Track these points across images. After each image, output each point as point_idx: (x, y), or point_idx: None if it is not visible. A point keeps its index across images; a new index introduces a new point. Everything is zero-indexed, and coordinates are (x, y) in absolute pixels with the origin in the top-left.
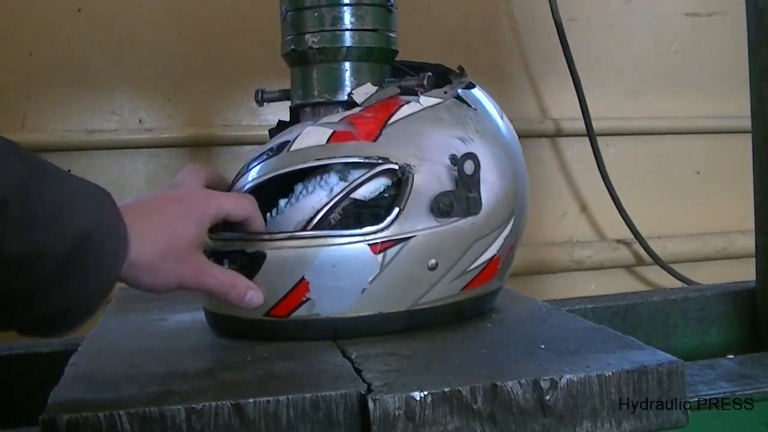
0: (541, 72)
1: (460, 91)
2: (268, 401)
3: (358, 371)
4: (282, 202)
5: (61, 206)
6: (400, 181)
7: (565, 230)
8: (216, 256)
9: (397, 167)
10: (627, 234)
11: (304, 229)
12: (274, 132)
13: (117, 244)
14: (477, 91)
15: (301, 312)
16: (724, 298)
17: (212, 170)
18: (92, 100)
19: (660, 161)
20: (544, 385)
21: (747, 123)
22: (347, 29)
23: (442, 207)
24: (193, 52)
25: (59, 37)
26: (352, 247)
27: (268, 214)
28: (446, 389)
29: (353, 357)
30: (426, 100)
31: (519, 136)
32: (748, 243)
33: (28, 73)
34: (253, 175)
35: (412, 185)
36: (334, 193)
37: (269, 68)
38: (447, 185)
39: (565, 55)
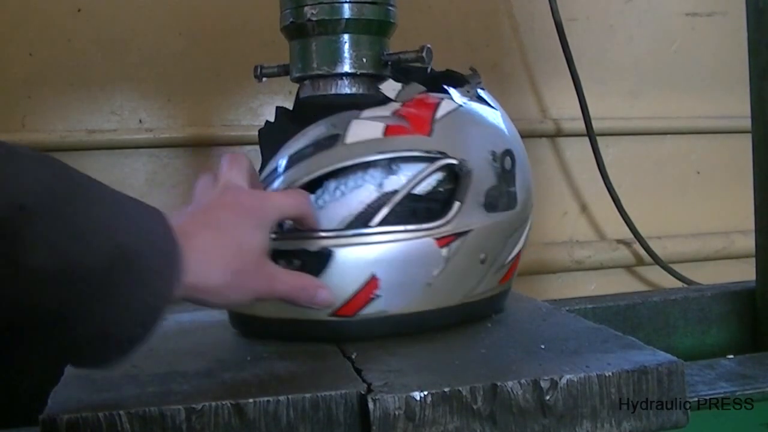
0: (541, 72)
1: (478, 91)
2: (268, 401)
3: (358, 371)
4: (311, 197)
5: (99, 220)
6: (457, 176)
7: (565, 230)
8: (274, 255)
9: (456, 162)
10: (627, 234)
11: (360, 224)
12: (264, 132)
13: (166, 263)
14: (484, 93)
15: (369, 310)
16: (724, 298)
17: (247, 158)
18: (92, 100)
19: (660, 161)
20: (544, 385)
21: (747, 123)
22: (346, 1)
23: (492, 201)
24: (193, 52)
25: (59, 37)
26: (419, 241)
27: None
28: (446, 389)
29: (353, 357)
30: (457, 99)
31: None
32: (748, 243)
33: (28, 73)
34: (306, 168)
35: (471, 180)
36: (385, 188)
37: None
38: (492, 180)
39: (565, 55)
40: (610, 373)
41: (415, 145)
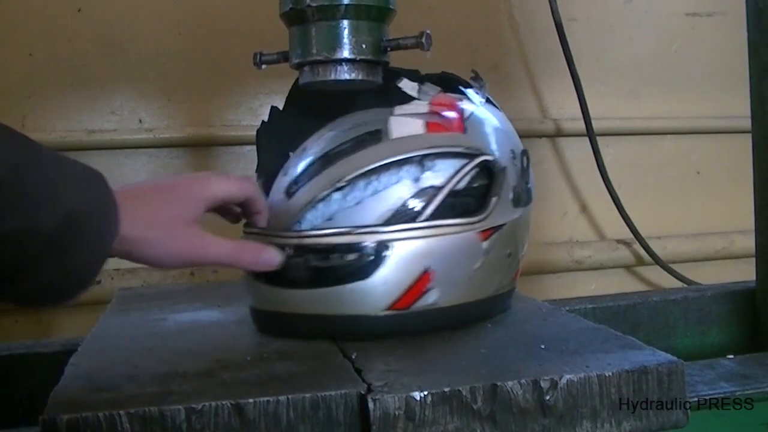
0: (541, 72)
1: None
2: (268, 401)
3: (358, 371)
4: (337, 194)
5: (54, 186)
6: (492, 172)
7: (565, 230)
8: (327, 251)
9: (491, 158)
10: (627, 234)
11: (403, 219)
12: (261, 132)
13: (107, 222)
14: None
15: (422, 303)
16: (724, 298)
17: (255, 183)
18: (92, 100)
19: (660, 161)
20: (544, 385)
21: (747, 123)
22: None
23: (516, 197)
24: (193, 52)
25: (59, 37)
26: (465, 235)
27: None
28: (446, 389)
29: (353, 357)
30: (475, 99)
31: (519, 136)
32: (748, 243)
33: (28, 73)
34: (352, 164)
35: (505, 176)
36: (421, 183)
37: (269, 68)
38: (515, 177)
39: (565, 55)
40: (610, 373)
41: (456, 142)
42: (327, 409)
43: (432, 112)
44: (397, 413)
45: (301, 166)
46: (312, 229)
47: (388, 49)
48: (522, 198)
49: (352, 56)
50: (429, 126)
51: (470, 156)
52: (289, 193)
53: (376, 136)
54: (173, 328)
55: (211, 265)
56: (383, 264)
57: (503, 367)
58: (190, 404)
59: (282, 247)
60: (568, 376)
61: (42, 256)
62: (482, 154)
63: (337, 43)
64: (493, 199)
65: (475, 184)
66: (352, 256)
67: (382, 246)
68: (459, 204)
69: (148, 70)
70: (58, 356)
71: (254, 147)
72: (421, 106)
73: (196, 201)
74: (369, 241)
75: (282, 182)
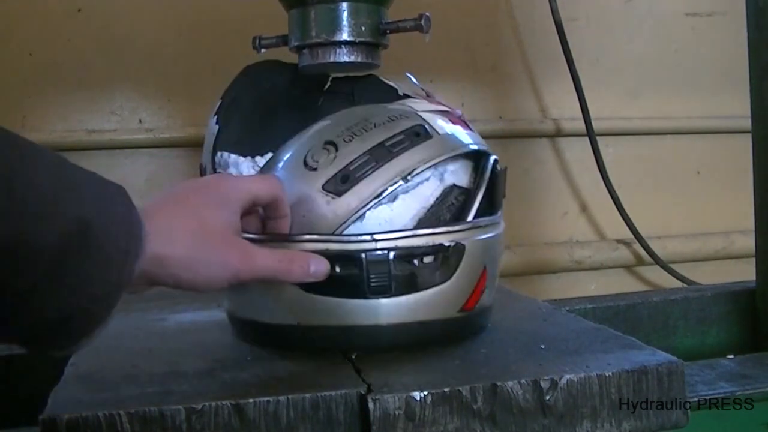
0: (541, 72)
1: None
2: (268, 401)
3: (358, 371)
4: (401, 189)
5: (56, 194)
6: (497, 172)
7: (565, 230)
8: (403, 255)
9: (497, 157)
10: (627, 234)
11: (439, 218)
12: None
13: (127, 236)
14: None
15: (482, 302)
16: (724, 298)
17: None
18: (92, 100)
19: (660, 161)
20: (544, 385)
21: (747, 123)
22: None
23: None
24: (193, 52)
25: (59, 37)
26: (498, 233)
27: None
28: (446, 389)
29: (353, 357)
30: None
31: (519, 136)
32: (748, 243)
33: (28, 73)
34: (413, 159)
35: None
36: (446, 181)
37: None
38: None
39: (565, 55)
40: (610, 373)
41: (475, 140)
42: (327, 409)
43: (444, 110)
44: (397, 413)
45: (344, 157)
46: (384, 231)
47: (387, 31)
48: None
49: (351, 38)
50: (453, 123)
51: (487, 154)
52: (334, 189)
53: (423, 131)
54: (173, 328)
55: (255, 280)
56: (461, 264)
57: (503, 367)
58: (190, 404)
59: (352, 253)
60: (568, 376)
61: (48, 276)
62: (491, 153)
63: (336, 25)
64: (503, 199)
65: (488, 183)
66: (428, 258)
67: (459, 246)
68: (483, 202)
69: (148, 70)
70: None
71: None
72: (433, 103)
73: (234, 202)
74: (448, 242)
75: (311, 177)
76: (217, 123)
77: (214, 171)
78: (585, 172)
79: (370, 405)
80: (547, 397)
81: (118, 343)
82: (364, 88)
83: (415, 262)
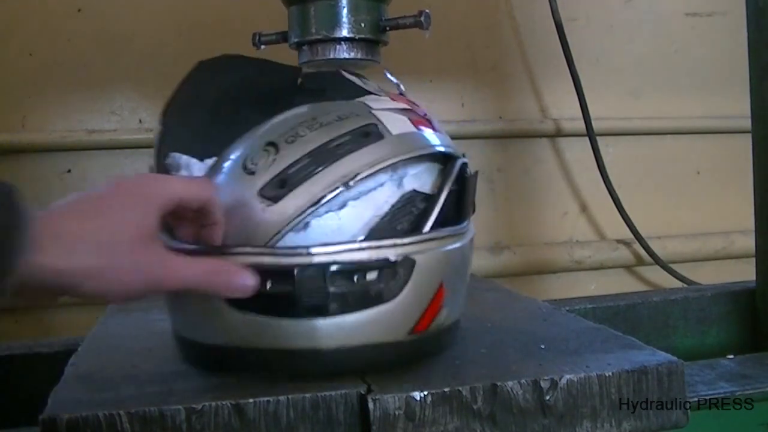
0: (541, 72)
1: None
2: (268, 401)
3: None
4: (344, 197)
5: None
6: (464, 176)
7: (565, 230)
8: (344, 270)
9: (466, 160)
10: (627, 234)
11: (393, 228)
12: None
13: (9, 239)
14: None
15: (437, 322)
16: (724, 298)
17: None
18: (92, 100)
19: (660, 161)
20: (544, 385)
21: (747, 123)
22: None
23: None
24: (193, 52)
25: (59, 37)
26: (461, 244)
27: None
28: (446, 389)
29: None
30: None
31: (519, 136)
32: (748, 243)
33: (28, 73)
34: (354, 164)
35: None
36: (405, 187)
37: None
38: None
39: (565, 55)
40: (610, 373)
41: (441, 141)
42: (327, 409)
43: (406, 108)
44: (397, 413)
45: (283, 160)
46: (323, 244)
47: (387, 28)
48: (474, 206)
49: (351, 35)
50: (414, 123)
51: (453, 157)
52: (271, 195)
53: (374, 131)
54: None
55: (177, 291)
56: (410, 281)
57: (503, 367)
58: (190, 404)
59: (285, 268)
60: (568, 376)
61: None
62: (459, 156)
63: (335, 21)
64: (471, 206)
65: (454, 188)
66: (372, 275)
67: (409, 260)
68: (449, 209)
69: (148, 70)
70: (58, 356)
71: None
72: (391, 101)
73: (153, 204)
74: (394, 256)
75: (248, 181)
76: (167, 122)
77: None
78: (585, 172)
79: (370, 405)
80: (547, 397)
81: (118, 343)
82: (337, 85)
83: (355, 278)
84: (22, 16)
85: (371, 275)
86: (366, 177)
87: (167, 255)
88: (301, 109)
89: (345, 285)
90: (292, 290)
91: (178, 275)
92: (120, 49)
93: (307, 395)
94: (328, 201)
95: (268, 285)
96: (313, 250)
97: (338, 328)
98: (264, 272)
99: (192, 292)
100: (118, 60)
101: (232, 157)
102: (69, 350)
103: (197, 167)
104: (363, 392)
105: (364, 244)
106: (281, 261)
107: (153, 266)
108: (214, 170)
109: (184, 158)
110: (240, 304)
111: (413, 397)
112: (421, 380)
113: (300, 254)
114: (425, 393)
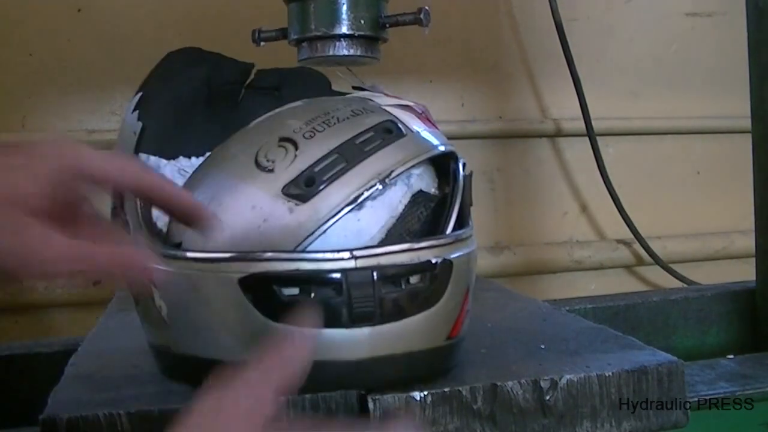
0: (541, 72)
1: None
2: None
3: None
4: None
5: None
6: (465, 175)
7: (565, 230)
8: (381, 276)
9: (464, 161)
10: (627, 234)
11: (408, 230)
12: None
13: None
14: None
15: (466, 325)
16: (724, 298)
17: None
18: (92, 100)
19: (660, 161)
20: (544, 385)
21: (747, 123)
22: None
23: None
24: None
25: (59, 37)
26: (475, 243)
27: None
28: (446, 389)
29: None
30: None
31: (519, 136)
32: (748, 243)
33: (28, 73)
34: (387, 160)
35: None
36: (413, 187)
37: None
38: None
39: (565, 55)
40: (610, 373)
41: (441, 140)
42: (327, 409)
43: (407, 104)
44: (397, 413)
45: (305, 156)
46: (362, 248)
47: (387, 25)
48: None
49: (350, 32)
50: (421, 120)
51: (457, 156)
52: (297, 194)
53: (395, 127)
54: None
55: (42, 278)
56: (449, 283)
57: (503, 367)
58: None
59: (329, 274)
60: (568, 376)
61: None
62: (459, 156)
63: (335, 18)
64: (470, 206)
65: (462, 188)
66: (415, 278)
67: (447, 262)
68: (461, 209)
69: (148, 70)
70: (58, 356)
71: None
72: (385, 97)
73: (41, 171)
74: (434, 258)
75: (266, 179)
76: (139, 119)
77: None
78: (585, 172)
79: (370, 405)
80: (547, 397)
81: (118, 343)
82: (293, 82)
83: (402, 283)
84: (22, 16)
85: (414, 279)
86: (400, 174)
87: (39, 230)
88: (310, 103)
89: (394, 290)
90: (339, 298)
91: (49, 253)
92: (120, 49)
93: (307, 395)
94: (362, 200)
95: (312, 294)
96: (357, 253)
97: (383, 337)
98: (302, 280)
99: (61, 277)
100: (118, 60)
101: (233, 153)
102: (69, 350)
103: (168, 168)
104: (363, 392)
105: (405, 246)
106: (324, 266)
107: (14, 242)
108: (212, 168)
109: (153, 159)
110: (274, 314)
111: (413, 397)
112: (421, 380)
113: (344, 258)
114: (425, 393)
